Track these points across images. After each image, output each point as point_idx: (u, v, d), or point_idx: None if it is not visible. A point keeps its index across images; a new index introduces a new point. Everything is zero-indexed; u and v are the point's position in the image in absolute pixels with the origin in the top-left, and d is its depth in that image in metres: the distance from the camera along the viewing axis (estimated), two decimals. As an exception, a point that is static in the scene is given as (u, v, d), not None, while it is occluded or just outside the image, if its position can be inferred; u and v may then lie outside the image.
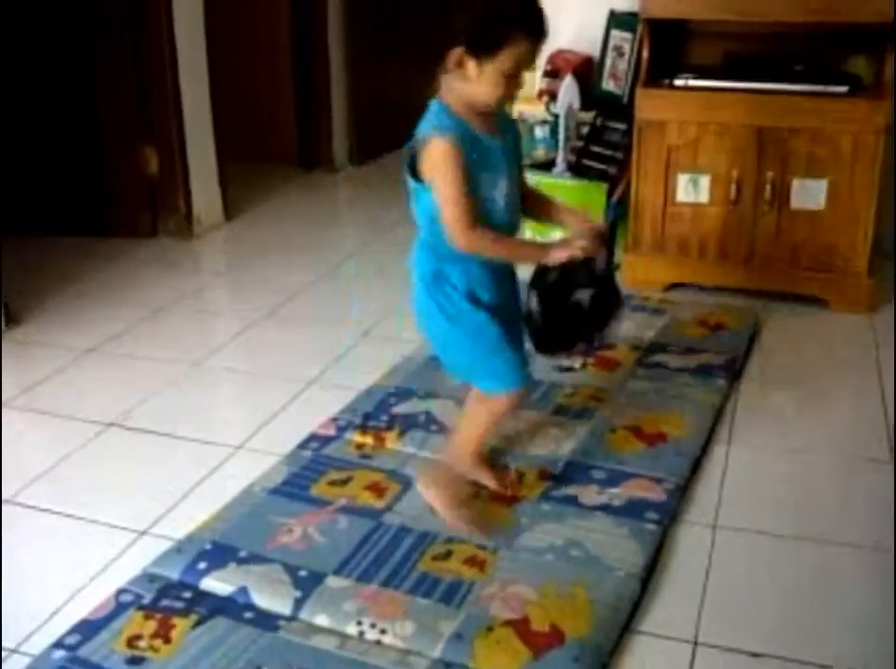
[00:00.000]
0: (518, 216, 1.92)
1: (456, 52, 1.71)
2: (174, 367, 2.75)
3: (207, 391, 2.67)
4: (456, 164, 1.72)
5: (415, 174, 1.81)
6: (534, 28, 1.73)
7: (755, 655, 1.62)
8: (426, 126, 1.77)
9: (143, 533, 1.98)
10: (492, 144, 1.81)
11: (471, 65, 1.72)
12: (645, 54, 3.12)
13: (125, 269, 3.58)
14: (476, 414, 1.97)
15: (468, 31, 1.71)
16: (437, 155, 1.73)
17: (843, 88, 2.98)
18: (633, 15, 3.31)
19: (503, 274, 1.93)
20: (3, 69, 3.71)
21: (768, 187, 3.02)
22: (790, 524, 1.97)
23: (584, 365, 2.64)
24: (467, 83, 1.74)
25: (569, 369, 2.62)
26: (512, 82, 1.75)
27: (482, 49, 1.70)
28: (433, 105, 1.79)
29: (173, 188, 3.91)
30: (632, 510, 1.96)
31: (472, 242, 1.77)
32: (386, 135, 5.32)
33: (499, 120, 1.86)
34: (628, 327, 2.88)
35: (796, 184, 3.02)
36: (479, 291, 1.86)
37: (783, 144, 3.00)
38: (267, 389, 2.59)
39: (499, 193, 1.82)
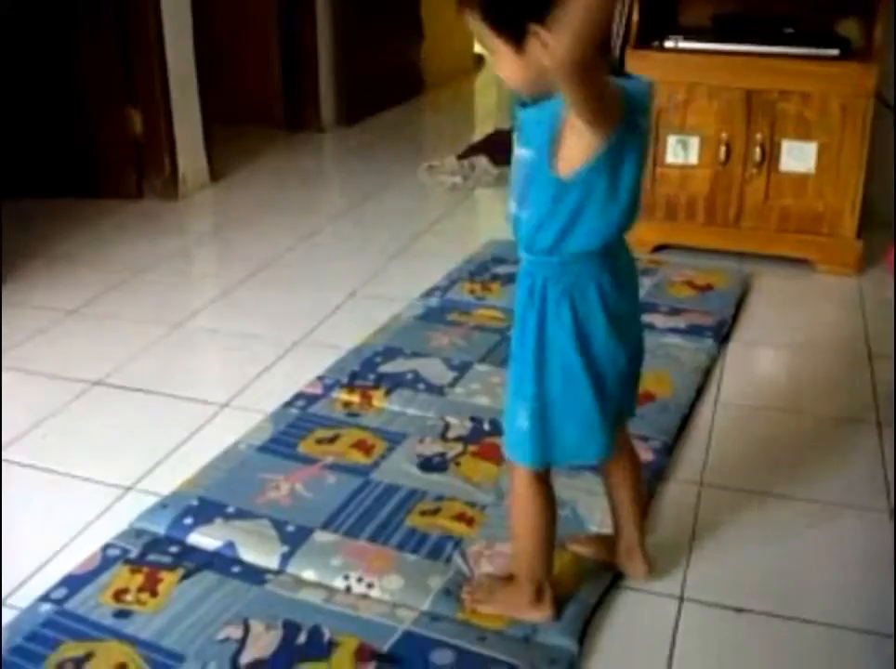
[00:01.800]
0: None
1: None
2: (158, 328, 2.73)
3: (192, 351, 2.66)
4: None
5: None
6: None
7: (738, 610, 1.63)
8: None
9: (129, 489, 1.97)
10: None
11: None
12: (636, 15, 3.09)
13: (109, 231, 3.55)
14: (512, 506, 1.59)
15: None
16: None
17: (833, 51, 2.96)
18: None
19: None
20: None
21: (757, 149, 3.02)
22: (776, 483, 1.98)
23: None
24: None
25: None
26: None
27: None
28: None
29: (158, 149, 3.87)
30: (619, 468, 1.96)
31: None
32: (373, 96, 5.30)
33: None
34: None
35: (785, 147, 3.01)
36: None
37: (772, 106, 2.99)
38: (252, 349, 2.58)
39: None
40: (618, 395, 1.48)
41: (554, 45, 1.16)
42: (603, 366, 1.43)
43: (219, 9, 4.60)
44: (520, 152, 1.40)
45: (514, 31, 1.28)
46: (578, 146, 1.30)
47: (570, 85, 1.19)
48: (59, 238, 3.43)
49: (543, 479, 1.52)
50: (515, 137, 1.42)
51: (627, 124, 1.29)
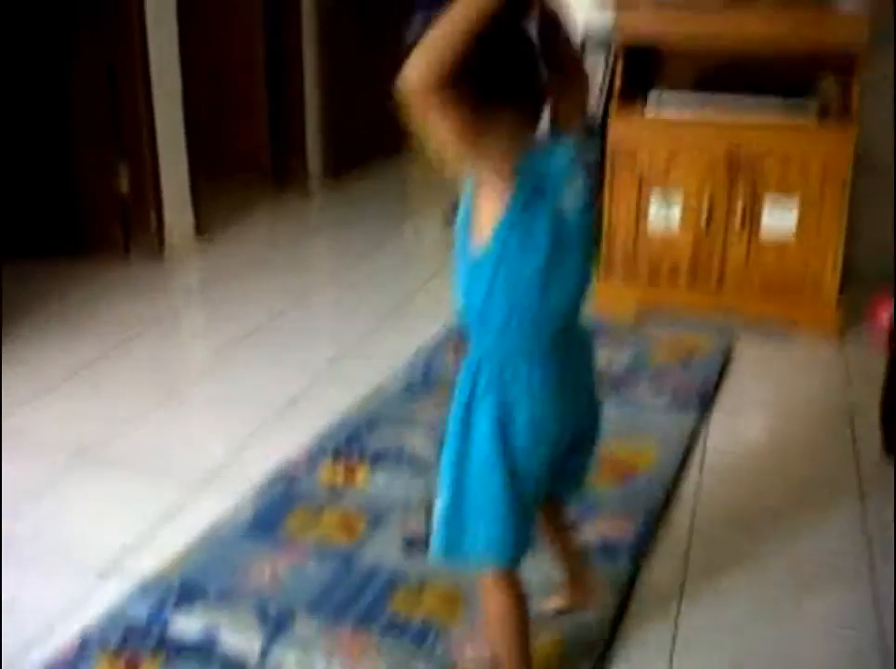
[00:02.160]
0: None
1: None
2: (143, 395, 2.72)
3: (177, 422, 2.64)
4: None
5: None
6: None
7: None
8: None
9: (109, 571, 1.95)
10: None
11: None
12: (618, 78, 3.13)
13: (96, 292, 3.55)
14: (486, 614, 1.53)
15: None
16: None
17: (813, 112, 3.00)
18: (607, 40, 3.32)
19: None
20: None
21: (738, 213, 3.05)
22: (761, 555, 1.98)
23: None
24: None
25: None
26: None
27: None
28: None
29: (145, 205, 3.89)
30: (604, 548, 1.96)
31: None
32: (360, 149, 5.33)
33: None
34: (600, 355, 2.87)
35: (766, 210, 3.04)
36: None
37: (752, 168, 3.02)
38: (237, 419, 2.57)
39: None
40: (536, 491, 1.41)
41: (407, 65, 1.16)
42: (523, 462, 1.35)
43: (208, 64, 4.65)
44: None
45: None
46: (486, 212, 1.27)
47: (418, 112, 1.19)
48: (44, 300, 3.42)
49: (509, 577, 1.46)
50: None
51: (534, 189, 1.26)
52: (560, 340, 1.37)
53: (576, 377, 1.44)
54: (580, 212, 1.33)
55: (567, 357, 1.39)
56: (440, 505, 1.40)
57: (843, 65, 3.04)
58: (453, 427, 1.39)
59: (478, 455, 1.35)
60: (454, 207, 3.95)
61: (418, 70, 1.17)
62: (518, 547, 1.41)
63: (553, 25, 1.32)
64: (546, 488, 1.44)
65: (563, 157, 1.32)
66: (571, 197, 1.31)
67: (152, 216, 3.90)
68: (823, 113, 3.00)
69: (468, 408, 1.37)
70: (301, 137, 5.03)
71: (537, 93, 1.30)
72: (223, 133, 4.98)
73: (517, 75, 1.27)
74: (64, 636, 1.75)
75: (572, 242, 1.32)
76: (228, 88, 5.05)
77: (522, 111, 1.28)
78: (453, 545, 1.41)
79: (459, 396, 1.38)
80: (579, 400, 1.45)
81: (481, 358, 1.36)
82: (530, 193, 1.26)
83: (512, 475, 1.35)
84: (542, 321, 1.34)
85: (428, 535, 1.45)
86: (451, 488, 1.38)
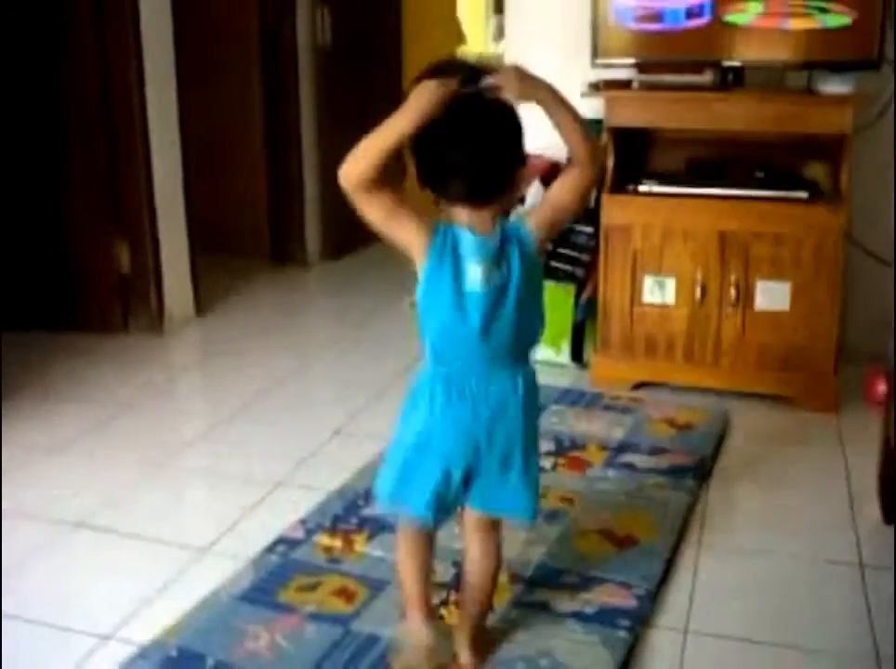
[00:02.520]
0: None
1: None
2: (141, 467, 2.73)
3: (175, 492, 2.65)
4: None
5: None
6: None
7: None
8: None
9: (106, 638, 1.93)
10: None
11: None
12: (610, 162, 3.21)
13: (94, 366, 3.57)
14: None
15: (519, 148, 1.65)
16: None
17: (803, 194, 3.07)
18: (598, 122, 3.41)
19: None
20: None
21: (732, 289, 3.09)
22: (761, 630, 1.97)
23: (554, 466, 2.64)
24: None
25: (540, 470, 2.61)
26: None
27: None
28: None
29: (144, 283, 3.93)
30: (603, 617, 1.95)
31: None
32: (358, 231, 5.39)
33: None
34: (598, 427, 2.90)
35: (759, 286, 3.09)
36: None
37: (745, 248, 3.08)
38: (235, 490, 2.57)
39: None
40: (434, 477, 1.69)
41: None
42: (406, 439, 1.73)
43: (208, 142, 4.73)
44: None
45: None
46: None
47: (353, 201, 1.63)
48: (41, 372, 3.44)
49: (407, 532, 1.80)
50: None
51: (440, 254, 1.61)
52: (464, 381, 1.66)
53: (480, 413, 1.67)
54: (485, 292, 1.61)
55: (468, 396, 1.66)
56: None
57: (831, 149, 3.12)
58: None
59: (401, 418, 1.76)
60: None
61: (347, 173, 1.61)
62: (394, 497, 1.74)
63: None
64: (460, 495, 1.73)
65: (471, 243, 1.61)
66: (473, 276, 1.61)
67: (152, 292, 3.94)
68: (813, 196, 3.07)
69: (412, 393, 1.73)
70: (300, 219, 5.10)
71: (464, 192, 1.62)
72: (223, 215, 5.05)
73: (440, 173, 1.64)
74: (59, 704, 1.73)
75: (472, 310, 1.61)
76: (228, 170, 5.13)
77: (450, 197, 1.64)
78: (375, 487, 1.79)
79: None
80: (483, 432, 1.68)
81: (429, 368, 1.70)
82: (438, 257, 1.61)
83: (408, 446, 1.72)
84: (444, 360, 1.66)
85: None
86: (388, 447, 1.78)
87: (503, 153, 1.62)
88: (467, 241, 1.61)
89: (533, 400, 1.75)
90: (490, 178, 1.60)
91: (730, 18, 3.10)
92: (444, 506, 1.73)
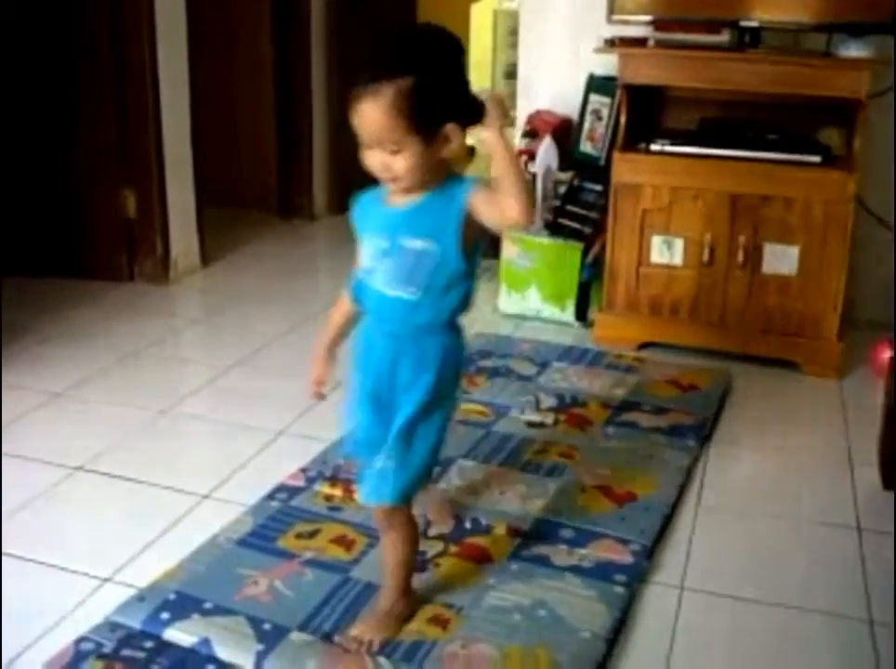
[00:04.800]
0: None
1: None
2: (143, 413, 2.73)
3: (176, 438, 2.65)
4: None
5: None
6: (364, 83, 1.57)
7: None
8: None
9: (106, 581, 1.95)
10: None
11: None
12: (623, 119, 3.18)
13: (98, 313, 3.57)
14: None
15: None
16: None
17: (815, 158, 3.04)
18: (612, 80, 3.38)
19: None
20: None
21: (740, 251, 3.07)
22: (756, 588, 1.98)
23: (555, 422, 2.65)
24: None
25: (540, 425, 2.63)
26: (373, 153, 1.60)
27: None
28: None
29: (150, 231, 3.92)
30: (601, 571, 1.96)
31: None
32: (366, 186, 5.38)
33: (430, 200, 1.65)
34: (600, 385, 2.90)
35: (767, 249, 3.07)
36: None
37: (755, 210, 3.06)
38: (236, 438, 2.58)
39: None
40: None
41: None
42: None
43: (218, 94, 4.70)
44: (406, 243, 1.62)
45: (432, 128, 1.53)
46: (471, 229, 1.59)
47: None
48: (46, 319, 3.44)
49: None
50: (376, 227, 1.69)
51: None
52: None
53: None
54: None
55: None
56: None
57: (845, 114, 3.09)
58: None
59: None
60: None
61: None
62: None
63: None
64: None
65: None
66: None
67: (158, 240, 3.93)
68: (826, 160, 3.04)
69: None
70: (308, 173, 5.08)
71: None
72: (231, 167, 5.03)
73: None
74: (59, 641, 1.75)
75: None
76: (237, 123, 5.10)
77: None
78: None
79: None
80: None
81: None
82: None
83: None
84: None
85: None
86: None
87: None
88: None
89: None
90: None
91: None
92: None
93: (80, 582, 1.95)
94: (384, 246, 1.64)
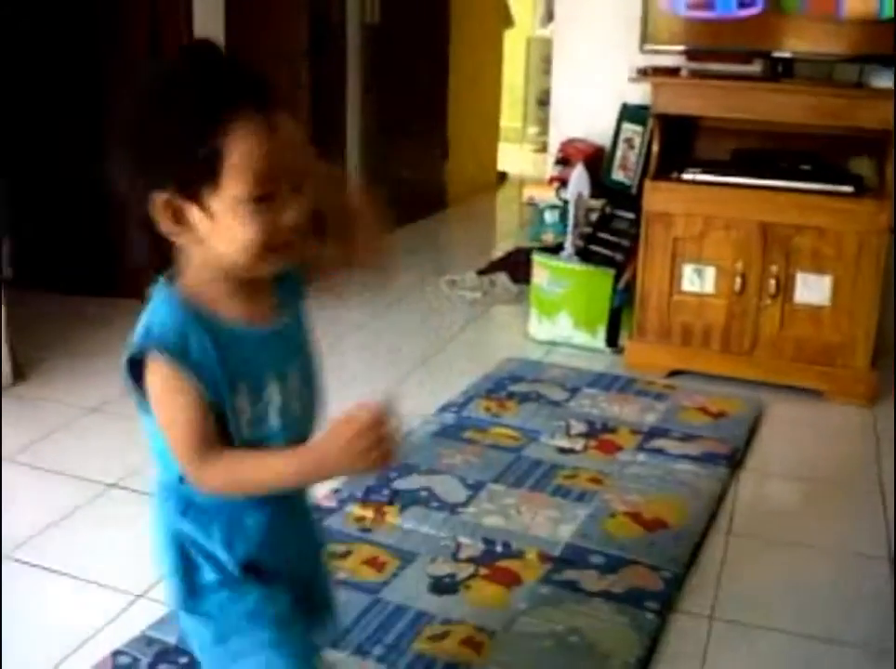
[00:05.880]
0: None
1: (161, 201, 1.07)
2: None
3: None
4: (176, 390, 1.11)
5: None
6: (252, 92, 1.08)
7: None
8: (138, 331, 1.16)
9: (141, 596, 1.98)
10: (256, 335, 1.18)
11: (193, 212, 1.08)
12: (655, 147, 3.20)
13: (131, 330, 3.61)
14: None
15: (162, 162, 1.07)
16: (151, 380, 1.14)
17: (848, 188, 3.04)
18: (644, 108, 3.40)
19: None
20: (24, 126, 3.81)
21: (772, 281, 3.08)
22: (786, 619, 1.97)
23: (585, 447, 2.66)
24: (200, 240, 1.10)
25: (570, 450, 2.64)
26: (269, 207, 1.07)
27: (200, 177, 1.05)
28: (157, 290, 1.17)
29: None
30: (631, 598, 1.97)
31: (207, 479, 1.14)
32: (398, 210, 5.43)
33: (279, 289, 1.22)
34: (630, 411, 2.91)
35: (800, 279, 3.07)
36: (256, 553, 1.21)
37: (787, 240, 3.06)
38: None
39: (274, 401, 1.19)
40: None
41: None
42: None
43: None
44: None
45: None
46: None
47: None
48: (81, 335, 3.49)
49: None
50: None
51: None
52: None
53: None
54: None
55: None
56: None
57: (878, 144, 3.09)
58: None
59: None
60: (491, 265, 3.99)
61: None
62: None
63: None
64: None
65: None
66: None
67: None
68: (858, 190, 3.04)
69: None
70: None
71: None
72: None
73: None
74: (96, 654, 1.78)
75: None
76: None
77: None
78: None
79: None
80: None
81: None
82: None
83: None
84: None
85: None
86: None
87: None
88: None
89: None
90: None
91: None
92: None
93: (115, 597, 1.97)
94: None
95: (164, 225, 1.08)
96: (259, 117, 1.05)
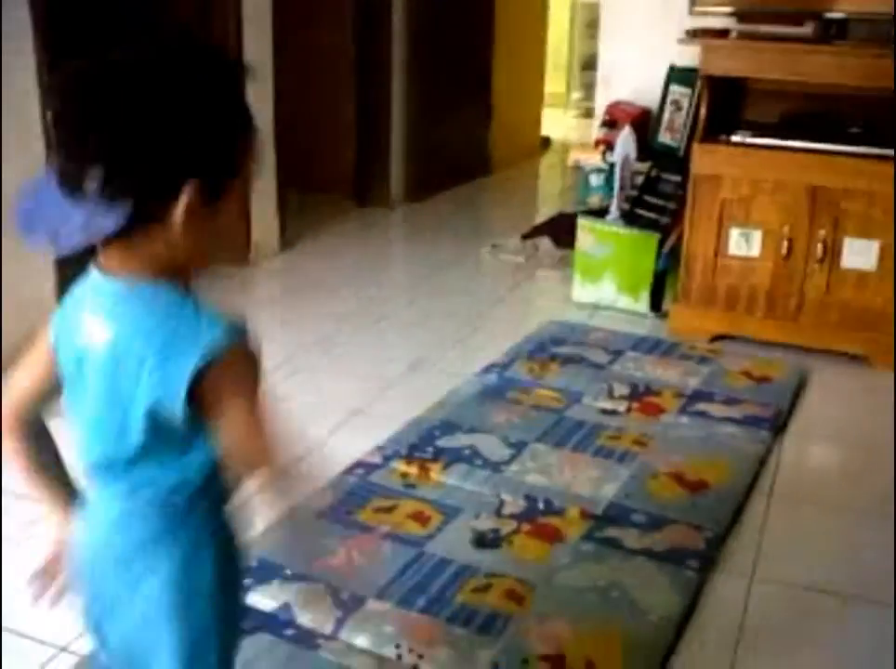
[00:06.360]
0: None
1: (196, 185, 0.99)
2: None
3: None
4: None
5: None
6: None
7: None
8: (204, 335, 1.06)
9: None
10: None
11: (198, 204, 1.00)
12: (703, 110, 3.17)
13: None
14: None
15: (205, 148, 1.02)
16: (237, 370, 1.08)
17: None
18: (692, 71, 3.37)
19: None
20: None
21: (819, 245, 3.05)
22: (827, 579, 1.98)
23: (628, 409, 2.67)
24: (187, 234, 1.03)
25: (612, 412, 2.65)
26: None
27: (227, 171, 1.06)
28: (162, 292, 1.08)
29: (233, 216, 4.00)
30: (672, 556, 1.98)
31: None
32: (442, 174, 5.44)
33: None
34: (673, 374, 2.91)
35: (847, 244, 3.05)
36: None
37: (835, 204, 3.03)
38: (314, 417, 2.64)
39: None
40: None
41: None
42: None
43: (300, 83, 4.78)
44: None
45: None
46: None
47: None
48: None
49: None
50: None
51: None
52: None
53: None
54: None
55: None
56: None
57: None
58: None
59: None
60: (534, 230, 3.98)
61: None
62: None
63: None
64: None
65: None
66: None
67: (240, 226, 4.01)
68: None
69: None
70: (386, 162, 5.14)
71: None
72: (311, 153, 5.11)
73: None
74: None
75: None
76: (317, 111, 5.18)
77: None
78: None
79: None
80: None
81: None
82: None
83: None
84: None
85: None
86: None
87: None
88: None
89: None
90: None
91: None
92: None
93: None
94: None
95: (185, 211, 0.99)
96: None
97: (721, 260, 3.19)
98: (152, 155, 0.97)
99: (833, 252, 3.06)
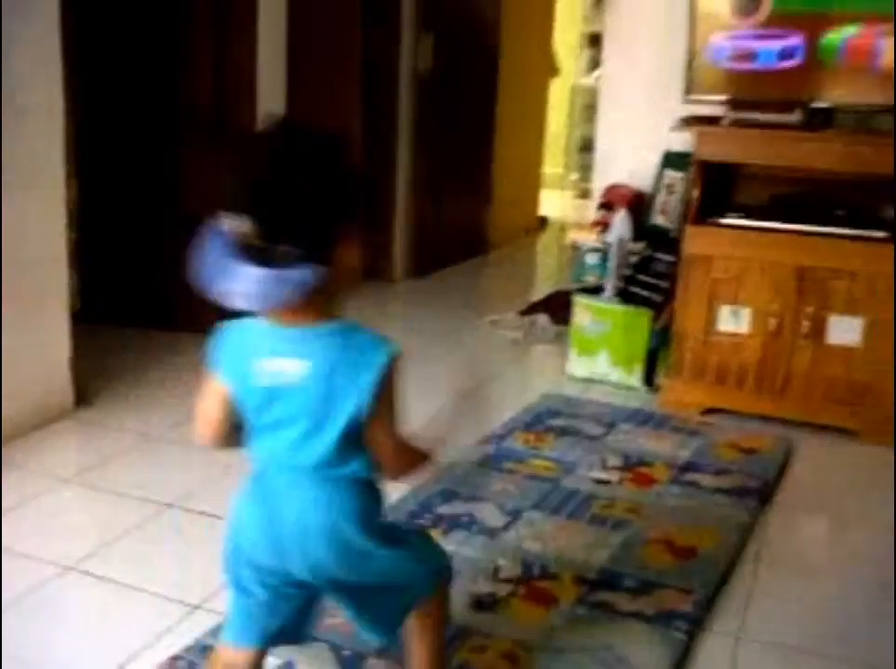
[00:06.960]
0: None
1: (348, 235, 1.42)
2: (233, 456, 2.88)
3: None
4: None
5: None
6: None
7: None
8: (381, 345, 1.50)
9: (197, 607, 2.09)
10: None
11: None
12: (696, 193, 3.31)
13: (191, 362, 3.75)
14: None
15: (351, 208, 1.43)
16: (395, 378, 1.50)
17: (882, 233, 3.14)
18: (686, 156, 3.52)
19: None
20: (92, 163, 4.02)
21: (806, 322, 3.17)
22: (811, 641, 2.04)
23: (621, 480, 2.75)
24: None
25: (606, 482, 2.73)
26: None
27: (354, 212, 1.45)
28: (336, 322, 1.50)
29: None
30: (662, 618, 2.05)
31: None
32: (443, 252, 5.59)
33: None
34: (665, 446, 3.00)
35: (833, 321, 3.16)
36: None
37: (822, 283, 3.15)
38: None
39: None
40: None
41: None
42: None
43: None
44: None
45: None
46: None
47: None
48: (144, 366, 3.65)
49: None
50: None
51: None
52: (272, 481, 1.59)
53: (288, 520, 1.52)
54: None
55: (278, 497, 1.56)
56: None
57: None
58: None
59: None
60: (531, 307, 4.06)
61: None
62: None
63: None
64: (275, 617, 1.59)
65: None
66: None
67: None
68: (891, 235, 3.13)
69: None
70: (389, 239, 5.29)
71: None
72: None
73: None
74: (155, 659, 1.89)
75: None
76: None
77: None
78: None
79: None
80: (298, 542, 1.51)
81: None
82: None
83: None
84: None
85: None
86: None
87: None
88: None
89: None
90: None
91: (823, 40, 3.19)
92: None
93: (171, 608, 2.09)
94: None
95: (343, 248, 1.40)
96: None
97: (711, 336, 3.31)
98: (329, 222, 1.37)
99: (819, 329, 3.17)
